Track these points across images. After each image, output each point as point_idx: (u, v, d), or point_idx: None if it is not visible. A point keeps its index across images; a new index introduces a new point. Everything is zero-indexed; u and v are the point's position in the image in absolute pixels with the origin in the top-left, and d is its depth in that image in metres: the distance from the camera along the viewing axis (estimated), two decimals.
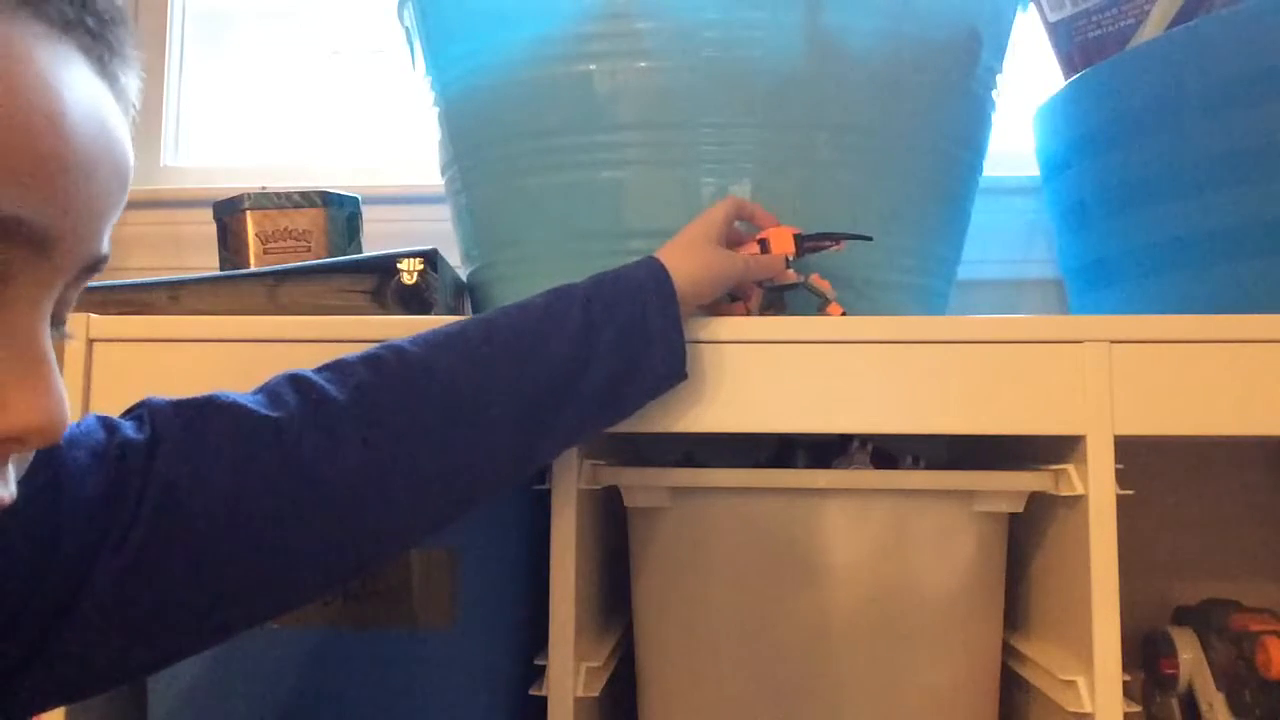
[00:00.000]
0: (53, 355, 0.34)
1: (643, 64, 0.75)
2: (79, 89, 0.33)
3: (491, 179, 0.84)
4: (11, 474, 0.34)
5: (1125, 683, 0.64)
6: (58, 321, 0.36)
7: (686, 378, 0.65)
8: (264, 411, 0.53)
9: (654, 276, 0.64)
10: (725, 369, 0.68)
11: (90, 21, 0.34)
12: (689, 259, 0.67)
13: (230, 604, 0.52)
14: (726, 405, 0.68)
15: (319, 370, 0.57)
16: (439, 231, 0.96)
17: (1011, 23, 0.88)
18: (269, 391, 0.55)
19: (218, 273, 0.82)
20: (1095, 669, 0.64)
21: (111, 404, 0.54)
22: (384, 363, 0.57)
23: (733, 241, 0.73)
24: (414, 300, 0.78)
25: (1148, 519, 0.71)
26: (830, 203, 0.77)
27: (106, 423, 0.51)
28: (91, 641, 0.47)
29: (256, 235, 0.91)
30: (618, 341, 0.62)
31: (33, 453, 0.38)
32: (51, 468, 0.46)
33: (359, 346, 0.59)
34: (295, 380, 0.55)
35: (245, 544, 0.51)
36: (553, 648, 0.68)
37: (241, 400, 0.53)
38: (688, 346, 0.65)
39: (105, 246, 0.36)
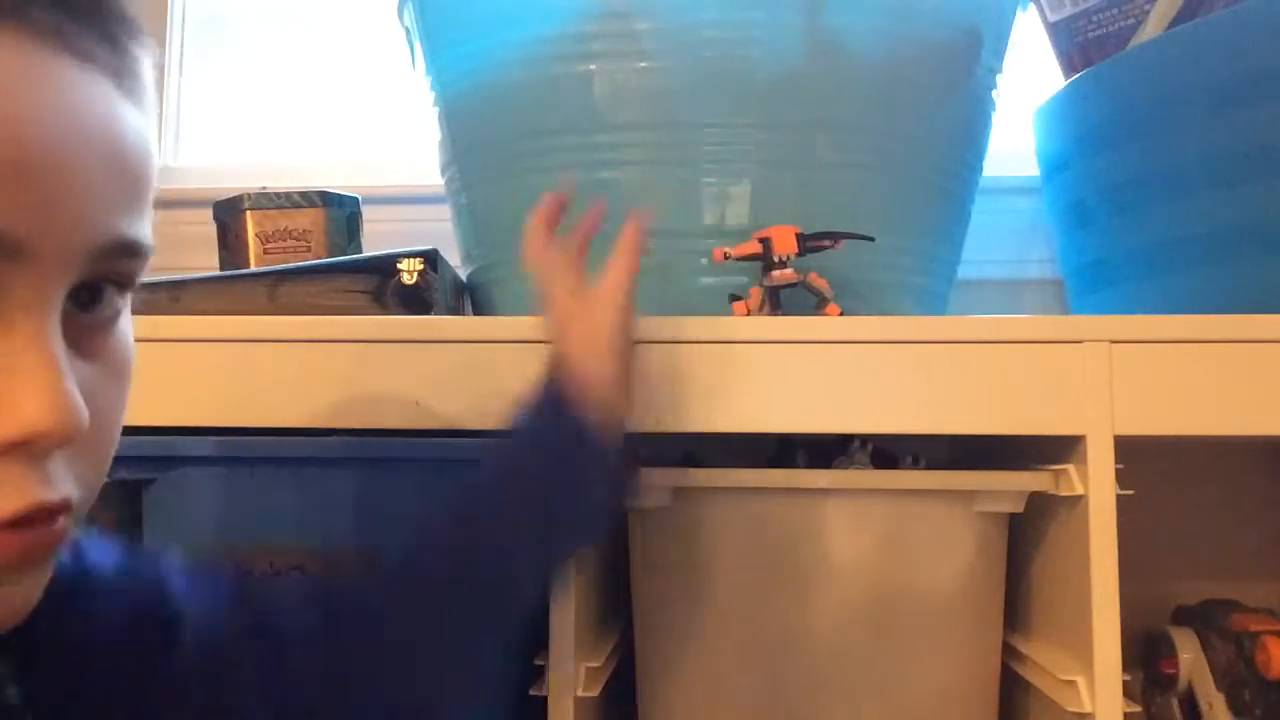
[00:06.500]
0: (60, 358, 0.32)
1: (642, 64, 0.75)
2: (38, 82, 0.31)
3: (491, 179, 0.84)
4: (60, 476, 0.33)
5: (1125, 683, 0.64)
6: (92, 301, 0.35)
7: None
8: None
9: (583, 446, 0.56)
10: (725, 369, 0.68)
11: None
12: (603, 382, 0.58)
13: None
14: (726, 405, 0.68)
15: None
16: (439, 231, 0.96)
17: (1011, 23, 0.88)
18: None
19: (218, 273, 0.82)
20: (1095, 669, 0.64)
21: None
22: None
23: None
24: (414, 300, 0.78)
25: (1148, 519, 0.71)
26: (830, 203, 0.77)
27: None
28: None
29: (256, 235, 0.91)
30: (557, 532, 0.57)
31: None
32: None
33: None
34: None
35: None
36: (553, 648, 0.68)
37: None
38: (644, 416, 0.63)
39: (126, 230, 0.35)
